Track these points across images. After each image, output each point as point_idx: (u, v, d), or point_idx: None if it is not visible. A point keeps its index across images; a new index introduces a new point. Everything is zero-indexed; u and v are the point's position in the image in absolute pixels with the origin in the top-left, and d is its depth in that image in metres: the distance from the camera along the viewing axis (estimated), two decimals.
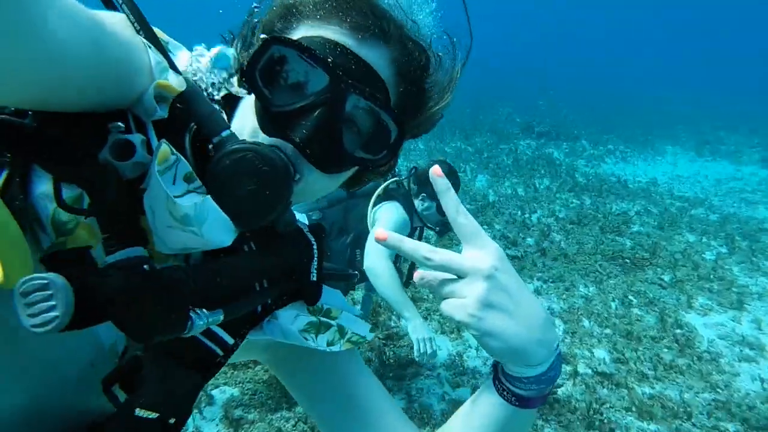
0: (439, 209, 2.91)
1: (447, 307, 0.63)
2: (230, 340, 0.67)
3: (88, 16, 0.44)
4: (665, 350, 3.74)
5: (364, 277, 2.99)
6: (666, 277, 4.88)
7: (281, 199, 0.59)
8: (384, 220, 2.73)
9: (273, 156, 0.57)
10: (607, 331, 3.94)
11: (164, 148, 0.53)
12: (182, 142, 0.59)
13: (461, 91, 0.74)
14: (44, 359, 0.54)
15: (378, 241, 0.62)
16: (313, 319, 0.74)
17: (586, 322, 4.07)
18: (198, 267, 0.58)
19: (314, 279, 0.73)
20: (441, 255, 0.62)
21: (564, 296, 4.46)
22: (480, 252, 0.63)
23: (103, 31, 0.46)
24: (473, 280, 0.61)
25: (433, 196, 2.89)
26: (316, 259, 0.74)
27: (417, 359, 2.57)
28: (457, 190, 3.04)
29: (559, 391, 3.25)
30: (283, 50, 0.62)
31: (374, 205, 2.81)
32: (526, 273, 4.85)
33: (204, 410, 2.99)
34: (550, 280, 4.74)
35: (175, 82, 0.57)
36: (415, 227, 2.95)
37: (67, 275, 0.44)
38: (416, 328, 2.54)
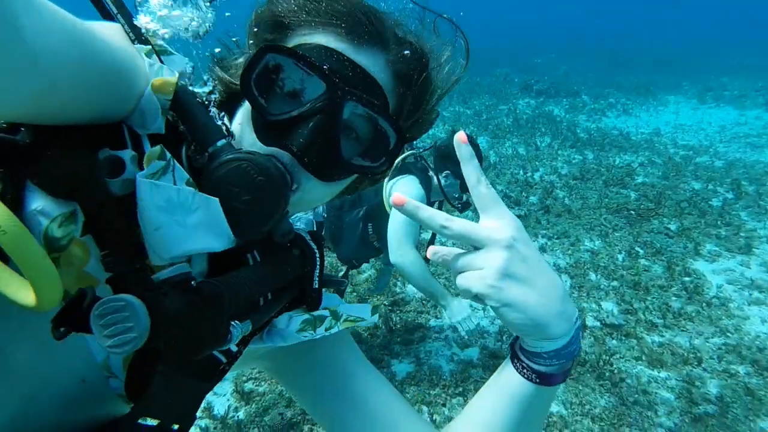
0: (462, 187, 2.81)
1: (463, 280, 0.60)
2: (234, 348, 0.66)
3: (75, 24, 0.43)
4: (674, 298, 3.71)
5: (380, 251, 2.94)
6: (672, 226, 4.82)
7: (277, 210, 0.59)
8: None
9: (269, 165, 0.57)
10: (615, 283, 3.91)
11: (154, 149, 0.52)
12: (179, 153, 0.60)
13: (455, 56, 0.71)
14: (33, 374, 0.53)
15: (395, 205, 0.60)
16: (307, 316, 0.73)
17: (593, 276, 4.03)
18: (225, 279, 0.57)
19: (316, 286, 0.74)
20: (458, 223, 0.60)
21: (569, 251, 4.41)
22: (498, 222, 0.61)
23: (92, 38, 0.46)
24: (492, 251, 0.59)
25: (457, 174, 2.78)
26: (318, 266, 0.74)
27: (466, 338, 2.73)
28: (481, 162, 2.93)
29: None
30: (278, 58, 0.61)
31: (390, 178, 2.72)
32: (531, 231, 4.79)
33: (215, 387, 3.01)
34: (555, 236, 4.69)
35: (169, 75, 0.56)
36: (432, 202, 2.85)
37: (138, 296, 0.45)
38: (453, 313, 2.57)
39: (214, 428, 2.73)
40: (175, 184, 0.54)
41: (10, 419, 0.52)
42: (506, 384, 0.67)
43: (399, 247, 2.52)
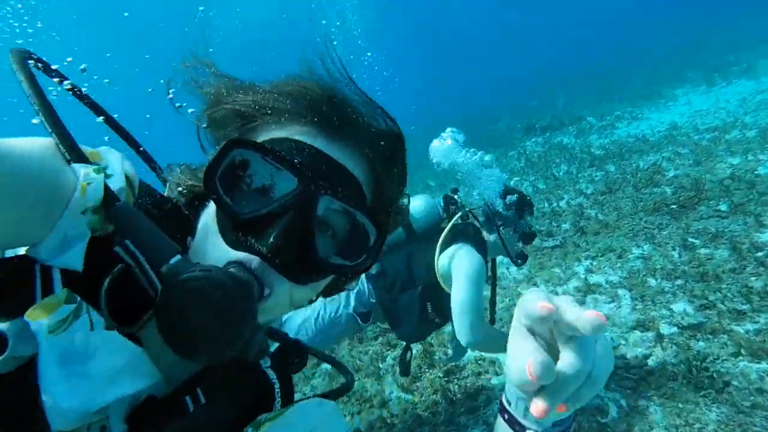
0: (524, 238, 2.74)
1: (579, 400, 0.52)
2: None
3: None
4: (752, 278, 3.25)
5: (442, 325, 2.79)
6: (723, 207, 4.40)
7: (243, 328, 0.52)
8: (465, 271, 2.39)
9: (228, 283, 0.51)
10: (679, 281, 3.49)
11: (57, 295, 0.46)
12: (100, 286, 0.53)
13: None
14: None
15: (542, 319, 0.50)
16: None
17: (652, 281, 3.63)
18: None
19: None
20: (571, 309, 0.50)
21: (618, 264, 4.05)
22: (567, 305, 0.52)
23: None
24: (590, 347, 0.51)
25: (514, 226, 2.70)
26: (279, 398, 0.66)
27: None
28: (532, 208, 2.80)
29: (649, 362, 2.82)
30: (245, 153, 0.58)
31: (441, 250, 2.53)
32: (572, 257, 4.48)
33: None
34: (599, 254, 4.34)
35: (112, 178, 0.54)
36: (486, 261, 2.68)
37: None
38: None
39: None
40: (92, 327, 0.48)
41: None
42: None
43: (470, 330, 2.32)
